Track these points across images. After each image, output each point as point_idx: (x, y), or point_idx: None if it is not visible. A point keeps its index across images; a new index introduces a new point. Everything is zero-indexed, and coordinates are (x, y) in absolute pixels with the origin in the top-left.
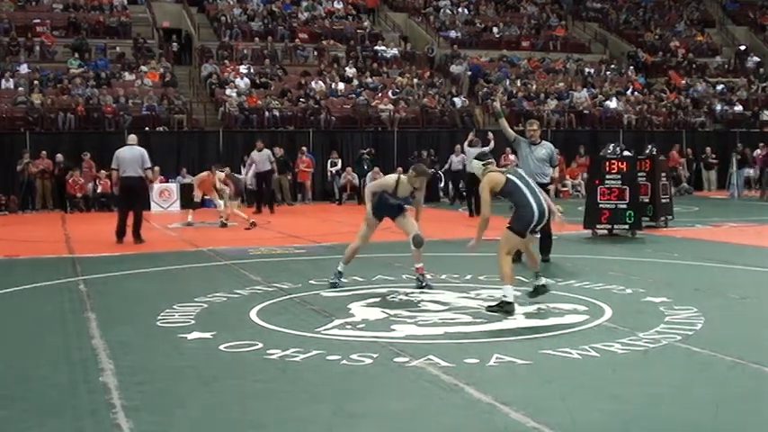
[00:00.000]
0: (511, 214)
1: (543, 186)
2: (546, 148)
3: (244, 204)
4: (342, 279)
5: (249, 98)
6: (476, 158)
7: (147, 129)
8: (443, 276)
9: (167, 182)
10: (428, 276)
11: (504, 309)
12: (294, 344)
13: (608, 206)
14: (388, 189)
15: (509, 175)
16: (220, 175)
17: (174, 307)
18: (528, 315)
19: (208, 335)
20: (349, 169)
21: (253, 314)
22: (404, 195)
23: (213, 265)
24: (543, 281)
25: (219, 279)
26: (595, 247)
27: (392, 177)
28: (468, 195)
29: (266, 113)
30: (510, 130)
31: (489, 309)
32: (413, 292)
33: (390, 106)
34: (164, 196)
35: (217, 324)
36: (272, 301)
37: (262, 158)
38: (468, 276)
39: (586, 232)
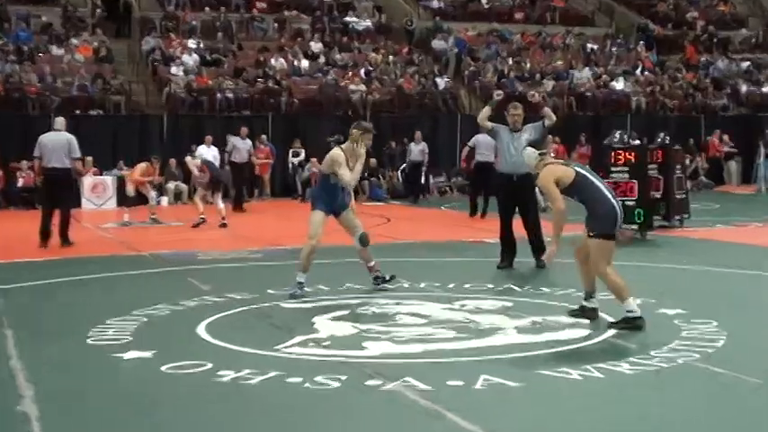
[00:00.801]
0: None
1: (531, 176)
2: (528, 132)
3: (226, 200)
4: (304, 289)
5: (198, 78)
6: (530, 146)
7: (77, 112)
8: (423, 285)
9: (101, 174)
10: (405, 285)
11: (634, 324)
12: (249, 364)
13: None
14: (339, 165)
15: (577, 168)
16: (194, 162)
17: (108, 322)
18: (521, 330)
19: (148, 354)
20: (314, 160)
21: (201, 329)
22: (350, 167)
23: (155, 271)
24: (596, 304)
25: (162, 288)
26: None
27: (337, 151)
28: (475, 190)
29: (218, 96)
30: (488, 121)
31: (612, 325)
32: (387, 304)
33: (362, 87)
34: (97, 191)
35: (158, 341)
36: (223, 314)
37: (245, 147)
38: (452, 285)
39: None
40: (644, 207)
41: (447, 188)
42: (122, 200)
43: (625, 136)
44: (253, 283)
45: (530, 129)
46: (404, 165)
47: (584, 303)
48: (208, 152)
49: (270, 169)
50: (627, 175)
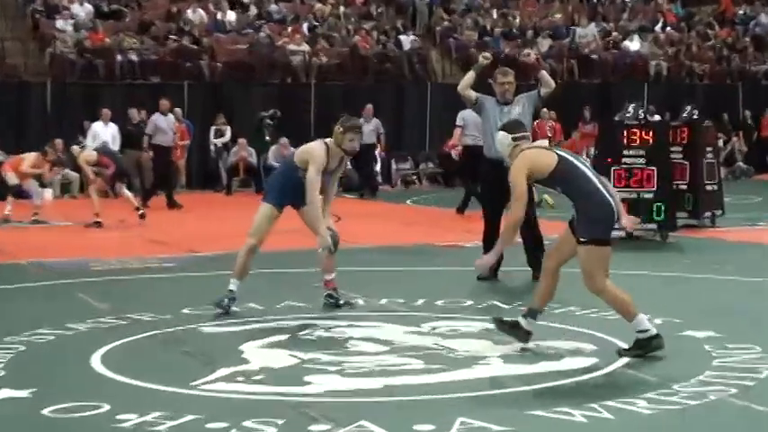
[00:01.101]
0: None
1: None
2: (520, 105)
3: (136, 194)
4: (233, 301)
5: (92, 34)
6: (502, 129)
7: None
8: (383, 302)
9: None
10: (361, 302)
11: (650, 346)
12: (159, 405)
13: (626, 196)
14: (319, 164)
15: (559, 152)
16: (88, 156)
17: None
18: (508, 359)
19: (25, 393)
20: (243, 142)
21: (95, 360)
22: (332, 168)
23: (36, 285)
24: (533, 326)
25: (45, 307)
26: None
27: (319, 146)
28: (464, 179)
29: (118, 57)
30: (471, 90)
31: (624, 353)
32: (336, 327)
33: (305, 47)
34: None
35: (39, 376)
36: (124, 341)
37: (168, 126)
38: (420, 301)
39: None
40: (665, 201)
41: (414, 177)
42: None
43: (641, 110)
44: (163, 300)
45: (523, 100)
46: None
47: (521, 320)
48: (105, 131)
49: (186, 153)
50: (643, 160)
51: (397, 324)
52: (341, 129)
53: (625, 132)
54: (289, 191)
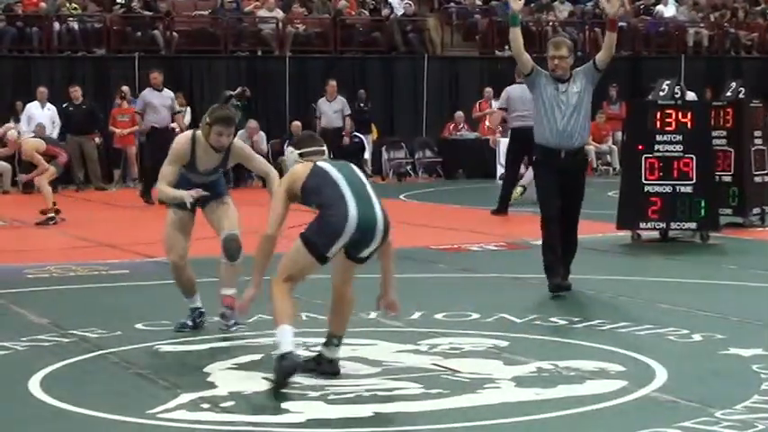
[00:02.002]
0: None
1: (583, 151)
2: (579, 81)
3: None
4: (199, 320)
5: None
6: (292, 144)
7: None
8: (373, 315)
9: None
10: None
11: (280, 369)
12: None
13: (660, 190)
14: (180, 159)
15: (318, 162)
16: (34, 143)
17: None
18: (520, 382)
19: None
20: (184, 125)
21: (34, 385)
22: (208, 167)
23: None
24: (338, 354)
25: None
26: (638, 262)
27: (184, 137)
28: (512, 172)
29: (56, 26)
30: (524, 53)
31: (269, 380)
32: (318, 344)
33: (278, 14)
34: None
35: None
36: (68, 362)
37: (162, 103)
38: (417, 315)
39: (622, 235)
40: (705, 196)
41: (408, 168)
42: None
43: (677, 87)
44: (113, 314)
45: (581, 75)
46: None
47: (323, 350)
48: (42, 114)
49: (136, 139)
50: (680, 147)
51: (389, 341)
52: (207, 119)
53: (658, 114)
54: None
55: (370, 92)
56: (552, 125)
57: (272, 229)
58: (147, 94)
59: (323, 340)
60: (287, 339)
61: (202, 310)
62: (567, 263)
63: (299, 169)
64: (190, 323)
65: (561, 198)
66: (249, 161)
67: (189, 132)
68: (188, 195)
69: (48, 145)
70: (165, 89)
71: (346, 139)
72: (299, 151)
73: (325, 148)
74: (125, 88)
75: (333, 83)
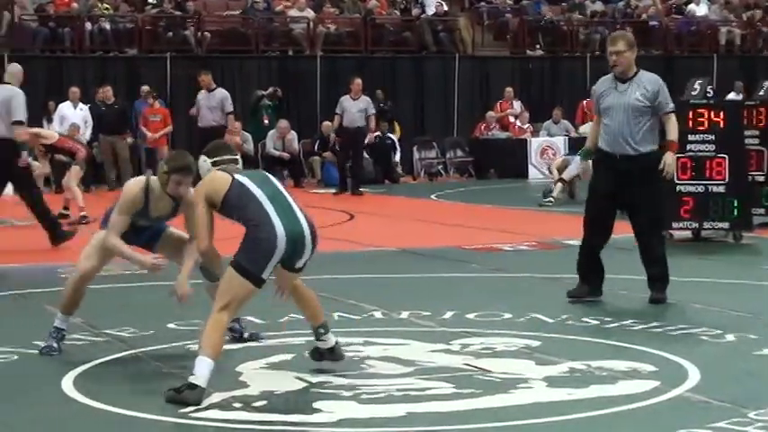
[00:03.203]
0: None
1: (646, 158)
2: (641, 88)
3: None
4: (58, 343)
5: None
6: (204, 152)
7: None
8: (404, 315)
9: None
10: (378, 315)
11: (183, 396)
12: None
13: (693, 190)
14: (132, 207)
15: (236, 176)
16: (44, 132)
17: None
18: (552, 382)
19: None
20: (237, 126)
21: (67, 384)
22: (161, 214)
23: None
24: (332, 341)
25: (4, 322)
26: (670, 262)
27: (136, 185)
28: None
29: (89, 26)
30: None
31: (168, 394)
32: (350, 344)
33: (309, 14)
34: None
35: (0, 404)
36: (101, 361)
37: (213, 105)
38: (449, 314)
39: None
40: (738, 195)
41: (440, 168)
42: None
43: (710, 87)
44: (145, 313)
45: (648, 86)
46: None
47: (317, 345)
48: (75, 114)
49: (168, 140)
50: (712, 147)
51: (421, 341)
52: (165, 168)
53: (690, 114)
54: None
55: (400, 91)
56: (608, 127)
57: (206, 242)
58: (202, 97)
59: (351, 340)
60: (205, 373)
61: (62, 337)
62: (649, 274)
63: (218, 178)
64: (53, 343)
65: (614, 203)
66: (189, 218)
67: (142, 179)
68: (150, 263)
69: (61, 137)
70: (219, 89)
71: (371, 137)
72: (211, 160)
73: (238, 157)
74: (145, 88)
75: (358, 81)
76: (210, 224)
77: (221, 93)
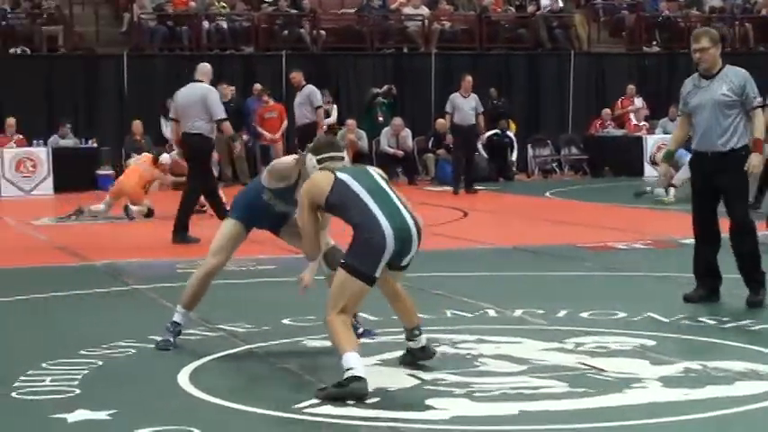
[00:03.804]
0: None
1: (737, 154)
2: (728, 82)
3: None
4: (174, 338)
5: None
6: (310, 150)
7: None
8: (518, 313)
9: (29, 145)
10: (492, 314)
11: (351, 389)
12: (256, 431)
13: None
14: (285, 178)
15: (338, 173)
16: (164, 158)
17: (45, 366)
18: (667, 382)
19: (103, 415)
20: (351, 123)
21: (183, 378)
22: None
23: (112, 291)
24: (424, 340)
25: (124, 316)
26: None
27: (289, 160)
28: None
29: (206, 24)
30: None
31: (319, 393)
32: (464, 342)
33: (424, 11)
34: (24, 170)
35: (119, 396)
36: (216, 356)
37: (300, 100)
38: (563, 313)
39: None
40: None
41: (554, 166)
42: (62, 182)
43: None
44: (260, 308)
45: (735, 80)
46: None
47: (409, 345)
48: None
49: (283, 137)
50: None
51: (534, 339)
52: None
53: None
54: (256, 210)
55: (515, 88)
56: (697, 126)
57: (312, 249)
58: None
59: (464, 337)
60: (357, 364)
61: (180, 331)
62: (743, 272)
63: (320, 180)
64: (169, 338)
65: (715, 202)
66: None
67: (291, 158)
68: (306, 283)
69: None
70: (308, 85)
71: (483, 137)
72: (317, 157)
73: (344, 153)
74: (257, 86)
75: (469, 78)
76: (316, 228)
77: (308, 88)
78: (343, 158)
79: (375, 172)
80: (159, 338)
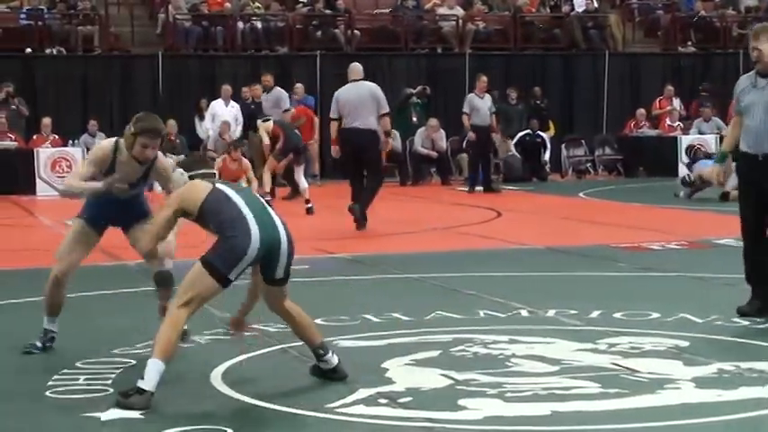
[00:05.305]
0: None
1: None
2: None
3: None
4: (44, 344)
5: None
6: (180, 165)
7: (28, 51)
8: (550, 313)
9: (65, 145)
10: (524, 314)
11: (131, 401)
12: (289, 430)
13: None
14: (99, 165)
15: (219, 185)
16: (267, 125)
17: (78, 365)
18: (701, 383)
19: (136, 414)
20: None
21: (216, 377)
22: (128, 180)
23: (144, 290)
24: (335, 361)
25: (156, 317)
26: None
27: (107, 143)
28: None
29: (240, 25)
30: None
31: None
32: (496, 342)
33: (459, 11)
34: (59, 170)
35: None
36: (250, 355)
37: (272, 103)
38: (596, 313)
39: None
40: None
41: (588, 166)
42: None
43: None
44: None
45: None
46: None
47: (319, 365)
48: (226, 112)
49: (316, 139)
50: None
51: (567, 340)
52: (132, 129)
53: None
54: (95, 205)
55: (549, 89)
56: (749, 127)
57: (151, 246)
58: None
59: (497, 338)
60: (154, 377)
61: (55, 335)
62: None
63: (198, 187)
64: (39, 344)
65: (765, 206)
66: (167, 183)
67: (112, 140)
68: (106, 183)
69: (276, 127)
70: (277, 87)
71: (497, 138)
72: (189, 173)
73: (215, 170)
74: (298, 86)
75: (484, 78)
76: (166, 231)
77: (277, 91)
78: (214, 175)
79: (258, 195)
80: (29, 345)
